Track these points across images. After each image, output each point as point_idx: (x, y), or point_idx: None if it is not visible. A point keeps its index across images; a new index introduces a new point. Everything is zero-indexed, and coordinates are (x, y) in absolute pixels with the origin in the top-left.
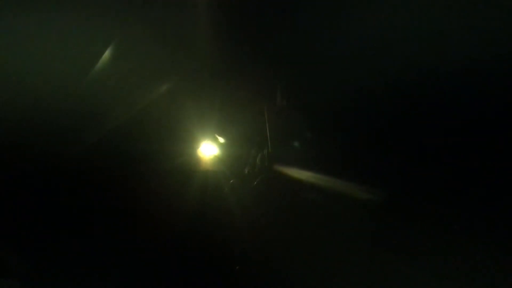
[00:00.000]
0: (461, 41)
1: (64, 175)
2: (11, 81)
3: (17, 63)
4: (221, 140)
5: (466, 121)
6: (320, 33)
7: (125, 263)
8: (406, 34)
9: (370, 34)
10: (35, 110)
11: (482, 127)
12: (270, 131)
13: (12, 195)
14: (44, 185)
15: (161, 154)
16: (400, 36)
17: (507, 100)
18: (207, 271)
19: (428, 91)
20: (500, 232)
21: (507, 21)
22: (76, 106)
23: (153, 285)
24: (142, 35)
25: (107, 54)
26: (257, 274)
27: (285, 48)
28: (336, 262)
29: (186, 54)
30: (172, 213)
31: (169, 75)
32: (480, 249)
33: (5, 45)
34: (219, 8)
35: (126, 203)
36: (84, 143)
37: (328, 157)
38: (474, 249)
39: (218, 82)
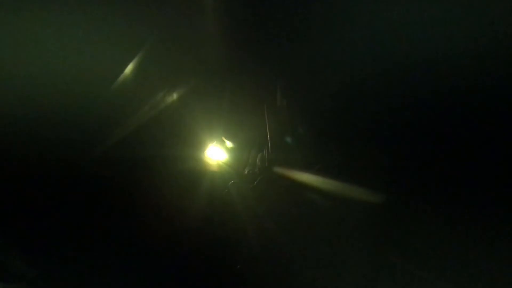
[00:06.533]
0: (462, 42)
1: (72, 180)
2: (24, 87)
3: (28, 68)
4: (228, 143)
5: (467, 123)
6: (321, 34)
7: (131, 264)
8: (406, 34)
9: (371, 35)
10: (48, 115)
11: (483, 129)
12: (270, 132)
13: (18, 199)
14: (52, 189)
15: (169, 158)
16: (401, 37)
17: (507, 101)
18: (208, 270)
19: (428, 92)
20: (500, 231)
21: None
22: (86, 113)
23: (157, 284)
24: (149, 43)
25: (113, 60)
26: (258, 273)
27: (285, 49)
28: (337, 261)
29: (193, 60)
30: (177, 214)
31: (177, 81)
32: (481, 249)
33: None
34: (221, 14)
35: (134, 205)
36: (94, 148)
37: (328, 157)
38: (475, 249)
39: (223, 86)
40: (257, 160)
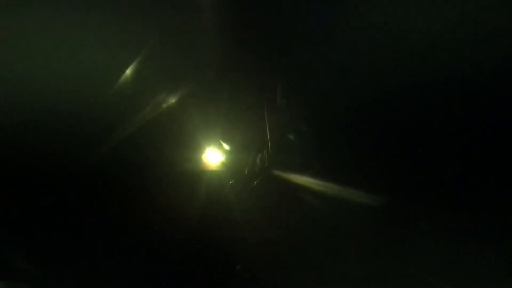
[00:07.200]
0: (463, 44)
1: (73, 181)
2: (24, 89)
3: (27, 70)
4: (227, 145)
5: (466, 125)
6: (321, 34)
7: (132, 264)
8: (406, 33)
9: (372, 35)
10: (46, 118)
11: (482, 131)
12: (270, 133)
13: (20, 199)
14: (54, 189)
15: (168, 160)
16: (401, 36)
17: (507, 103)
18: (207, 270)
19: (429, 94)
20: (500, 232)
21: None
22: (84, 115)
23: (157, 285)
24: (147, 45)
25: (111, 64)
26: (257, 274)
27: (285, 50)
28: (336, 263)
29: (191, 61)
30: (176, 215)
31: (176, 82)
32: (480, 250)
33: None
34: (220, 14)
35: (134, 206)
36: (93, 150)
37: (327, 159)
38: (473, 251)
39: (222, 87)
40: (257, 161)
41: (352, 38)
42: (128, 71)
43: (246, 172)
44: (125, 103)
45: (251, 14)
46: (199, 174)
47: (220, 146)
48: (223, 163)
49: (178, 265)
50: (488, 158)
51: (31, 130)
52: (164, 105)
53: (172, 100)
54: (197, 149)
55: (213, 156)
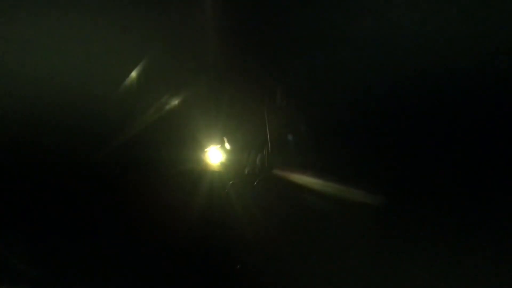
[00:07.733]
0: (462, 45)
1: (74, 181)
2: (31, 90)
3: (34, 71)
4: (229, 145)
5: (464, 125)
6: (319, 36)
7: (132, 264)
8: (406, 35)
9: (371, 37)
10: (51, 118)
11: (482, 131)
12: (270, 133)
13: (20, 200)
14: (53, 190)
15: (170, 159)
16: (400, 37)
17: (506, 104)
18: (208, 270)
19: (428, 95)
20: (499, 232)
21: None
22: (88, 116)
23: (158, 284)
24: (151, 46)
25: (114, 65)
26: (257, 273)
27: (286, 51)
28: (335, 262)
29: (193, 62)
30: (177, 214)
31: (178, 83)
32: (479, 250)
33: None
34: (222, 16)
35: (135, 206)
36: (96, 151)
37: (327, 159)
38: (471, 250)
39: (224, 87)
40: (257, 161)
41: (351, 39)
42: (132, 73)
43: (246, 172)
44: (128, 104)
45: (252, 17)
46: (200, 174)
47: (221, 146)
48: (223, 163)
49: (178, 264)
50: (488, 158)
51: (35, 132)
52: (166, 106)
53: (174, 101)
54: (198, 149)
55: (214, 156)
